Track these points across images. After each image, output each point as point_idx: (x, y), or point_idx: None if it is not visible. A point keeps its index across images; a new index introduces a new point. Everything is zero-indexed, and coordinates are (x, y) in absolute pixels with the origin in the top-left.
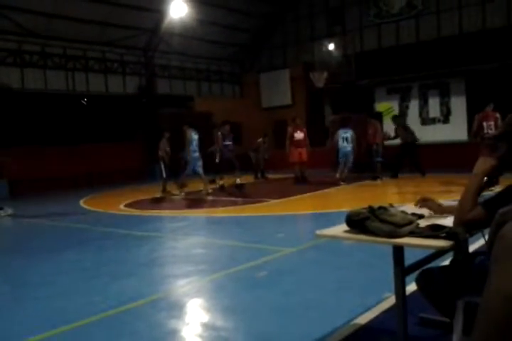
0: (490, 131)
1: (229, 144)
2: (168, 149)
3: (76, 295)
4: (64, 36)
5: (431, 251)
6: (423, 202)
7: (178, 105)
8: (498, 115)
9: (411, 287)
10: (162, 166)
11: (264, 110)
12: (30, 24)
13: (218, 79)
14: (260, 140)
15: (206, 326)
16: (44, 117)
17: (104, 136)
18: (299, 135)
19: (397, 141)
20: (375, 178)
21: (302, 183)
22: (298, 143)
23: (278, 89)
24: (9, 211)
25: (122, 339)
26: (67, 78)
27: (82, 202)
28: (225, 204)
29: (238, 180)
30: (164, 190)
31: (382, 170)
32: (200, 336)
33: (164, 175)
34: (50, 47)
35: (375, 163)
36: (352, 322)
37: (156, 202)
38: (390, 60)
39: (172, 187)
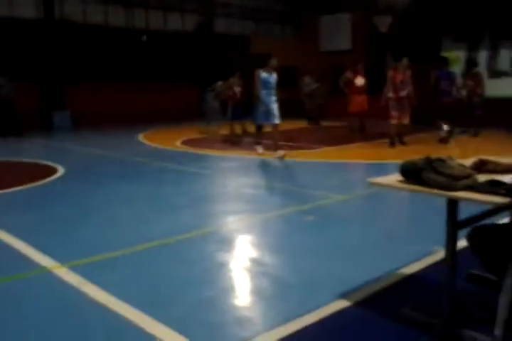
0: None
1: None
2: (237, 89)
3: (133, 222)
4: None
5: (486, 208)
6: (482, 167)
7: (234, 46)
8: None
9: (460, 243)
10: (229, 107)
11: (322, 54)
12: None
13: (277, 20)
14: (316, 85)
15: (253, 261)
16: (104, 52)
17: (161, 73)
18: (360, 81)
19: None
20: (476, 134)
21: (359, 133)
22: (359, 90)
23: (338, 33)
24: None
25: (175, 265)
26: (127, 14)
27: (141, 137)
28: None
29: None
30: (233, 132)
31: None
32: (248, 270)
33: (230, 115)
34: None
35: (475, 116)
36: (398, 271)
37: (212, 142)
38: (460, 5)
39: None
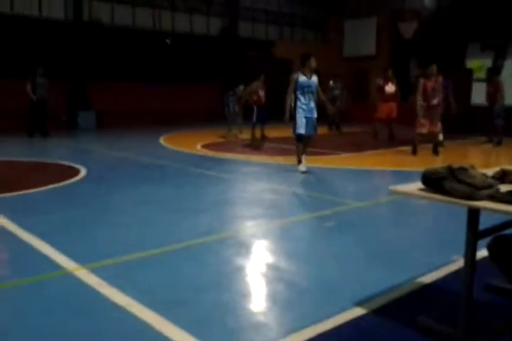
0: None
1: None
2: (262, 93)
3: (152, 225)
4: None
5: (508, 218)
6: (504, 177)
7: (259, 49)
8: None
9: (480, 253)
10: (254, 110)
11: (345, 60)
12: None
13: (301, 24)
14: (338, 91)
15: (271, 267)
16: (130, 54)
17: (185, 75)
18: (391, 88)
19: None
20: (499, 143)
21: (388, 141)
22: (388, 98)
23: (362, 38)
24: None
25: (192, 268)
26: (154, 16)
27: (162, 140)
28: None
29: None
30: (253, 137)
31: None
32: (265, 276)
33: (254, 119)
34: None
35: (494, 124)
36: (416, 280)
37: (232, 146)
38: (487, 12)
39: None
